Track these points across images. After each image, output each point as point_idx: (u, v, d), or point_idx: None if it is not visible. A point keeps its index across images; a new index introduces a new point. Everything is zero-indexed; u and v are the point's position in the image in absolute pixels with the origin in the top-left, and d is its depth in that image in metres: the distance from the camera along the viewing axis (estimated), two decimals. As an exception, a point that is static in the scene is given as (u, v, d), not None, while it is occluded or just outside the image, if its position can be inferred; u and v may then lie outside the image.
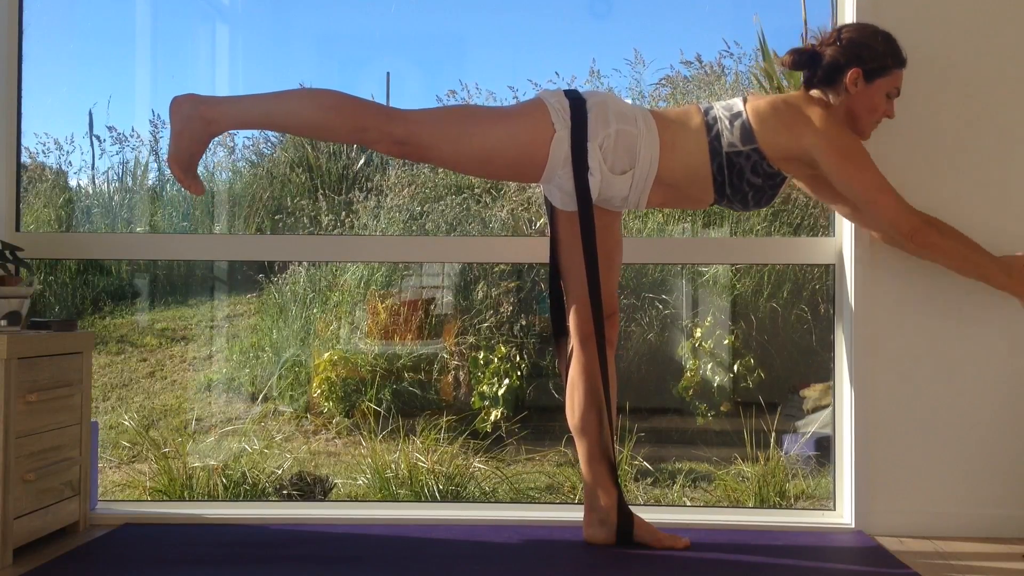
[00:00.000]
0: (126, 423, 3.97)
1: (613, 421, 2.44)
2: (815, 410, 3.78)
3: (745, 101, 2.34)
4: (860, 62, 2.36)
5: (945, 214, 2.53)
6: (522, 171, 2.37)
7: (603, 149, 2.27)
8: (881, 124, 2.50)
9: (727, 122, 2.30)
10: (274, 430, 3.99)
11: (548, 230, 2.52)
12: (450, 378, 4.07)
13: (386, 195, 4.28)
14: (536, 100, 2.33)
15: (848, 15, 2.72)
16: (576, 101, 2.30)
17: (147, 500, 3.53)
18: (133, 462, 3.87)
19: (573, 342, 2.48)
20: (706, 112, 2.33)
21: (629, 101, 2.42)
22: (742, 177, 2.31)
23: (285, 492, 3.60)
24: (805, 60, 2.42)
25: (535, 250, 3.05)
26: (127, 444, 3.92)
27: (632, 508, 2.47)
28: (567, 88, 2.36)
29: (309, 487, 3.63)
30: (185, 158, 2.26)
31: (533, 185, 4.12)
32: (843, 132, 2.34)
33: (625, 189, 2.32)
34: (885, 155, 2.57)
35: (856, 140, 2.36)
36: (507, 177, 2.49)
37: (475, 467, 3.69)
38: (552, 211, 2.48)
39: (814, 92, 2.43)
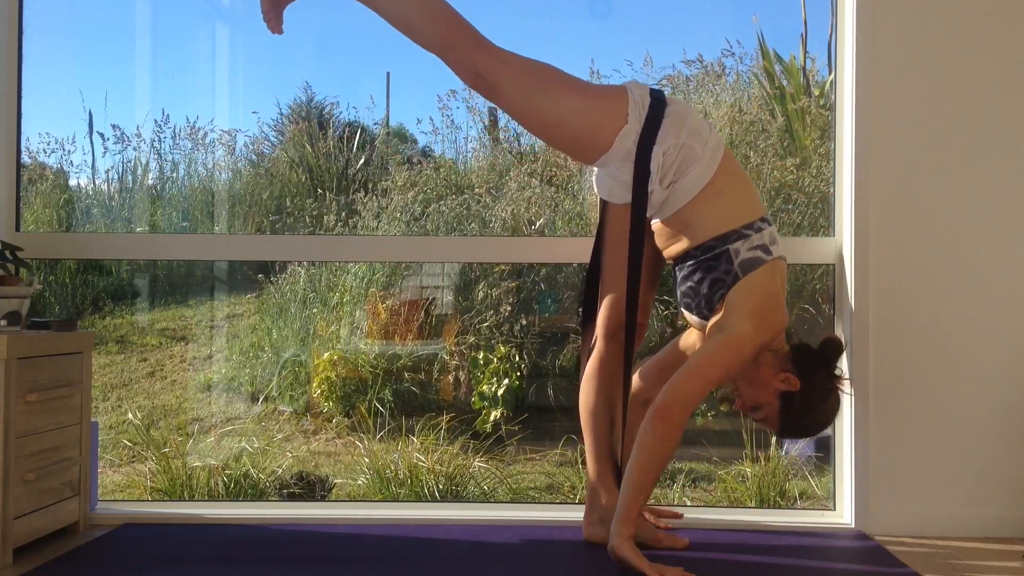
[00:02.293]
0: (130, 418, 3.97)
1: (625, 423, 2.43)
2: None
3: (778, 258, 2.28)
4: (803, 390, 2.26)
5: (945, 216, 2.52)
6: (581, 149, 2.34)
7: (665, 156, 2.24)
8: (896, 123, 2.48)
9: (754, 244, 2.24)
10: (274, 430, 3.99)
11: (598, 221, 2.50)
12: (450, 378, 4.07)
13: (388, 196, 4.28)
14: (620, 86, 2.31)
15: (848, 15, 2.72)
16: (657, 102, 2.28)
17: (147, 500, 3.54)
18: (133, 462, 3.87)
19: (598, 335, 2.47)
20: (762, 219, 2.28)
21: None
22: (707, 272, 2.27)
23: (285, 492, 3.60)
24: (818, 355, 2.31)
25: (535, 250, 3.05)
26: (128, 443, 3.92)
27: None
28: (655, 87, 2.34)
29: (309, 487, 3.63)
30: None
31: (534, 185, 4.12)
32: (746, 349, 2.22)
33: (660, 201, 2.30)
34: (885, 152, 2.57)
35: (740, 358, 2.22)
36: (564, 149, 2.47)
37: (475, 467, 3.69)
38: (605, 203, 2.47)
39: (788, 350, 2.32)
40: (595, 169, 2.44)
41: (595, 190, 2.47)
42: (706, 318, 2.30)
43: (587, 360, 2.50)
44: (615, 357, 2.41)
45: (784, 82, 4.13)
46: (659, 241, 2.38)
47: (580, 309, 2.58)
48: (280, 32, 2.38)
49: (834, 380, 2.32)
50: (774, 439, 3.59)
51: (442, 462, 3.63)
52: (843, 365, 2.42)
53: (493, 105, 4.23)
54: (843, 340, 2.36)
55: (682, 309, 2.40)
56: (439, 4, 2.25)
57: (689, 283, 2.31)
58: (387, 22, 2.30)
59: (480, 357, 4.03)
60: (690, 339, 2.48)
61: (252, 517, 2.77)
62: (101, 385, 4.13)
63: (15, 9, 2.82)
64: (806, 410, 2.29)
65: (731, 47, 4.17)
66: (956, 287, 2.68)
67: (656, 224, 2.36)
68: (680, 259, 2.33)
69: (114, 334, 4.33)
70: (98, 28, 4.10)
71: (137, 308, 4.40)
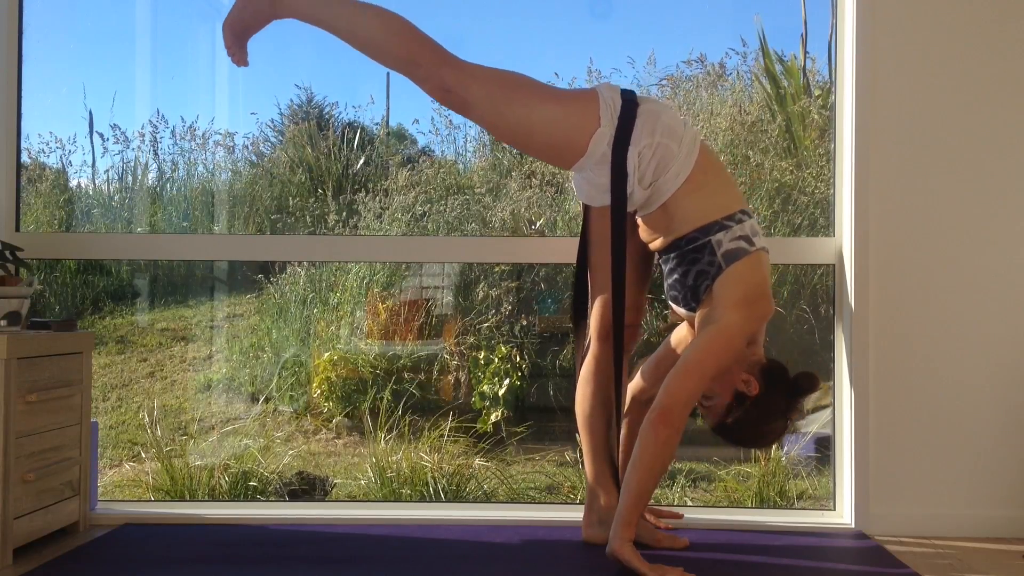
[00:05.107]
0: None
1: (621, 422, 2.43)
2: (815, 410, 3.78)
3: (761, 250, 2.27)
4: (756, 401, 2.26)
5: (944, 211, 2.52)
6: (557, 155, 2.34)
7: (640, 156, 2.24)
8: (896, 125, 2.48)
9: (736, 235, 2.24)
10: (274, 430, 3.99)
11: (580, 224, 2.51)
12: (450, 378, 4.07)
13: (390, 196, 4.27)
14: (591, 90, 2.31)
15: (848, 15, 2.72)
16: (628, 103, 2.27)
17: (147, 500, 3.54)
18: (133, 462, 3.87)
19: (591, 337, 2.48)
20: (741, 212, 2.28)
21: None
22: (691, 264, 2.27)
23: (285, 492, 3.60)
24: (788, 380, 2.30)
25: (535, 250, 3.05)
26: (132, 443, 3.92)
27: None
28: (625, 88, 2.34)
29: (309, 487, 3.63)
30: (240, 29, 2.30)
31: (534, 185, 4.12)
32: (737, 339, 2.23)
33: (642, 200, 2.31)
34: (886, 151, 2.57)
35: (732, 349, 2.23)
36: (540, 156, 2.47)
37: (476, 467, 3.69)
38: (587, 206, 2.47)
39: (762, 358, 2.33)
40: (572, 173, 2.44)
41: (575, 194, 2.46)
42: (693, 310, 2.30)
43: (581, 363, 2.51)
44: (610, 358, 2.41)
45: (784, 82, 4.13)
46: (644, 235, 2.38)
47: (571, 314, 2.58)
48: (246, 64, 2.37)
49: (789, 410, 2.30)
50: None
51: (442, 462, 3.63)
52: (806, 406, 2.39)
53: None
54: (819, 381, 2.34)
55: (669, 303, 2.40)
56: (400, 21, 2.25)
57: (675, 276, 2.31)
58: (349, 44, 2.29)
59: (480, 357, 4.03)
60: (681, 333, 2.48)
61: (252, 517, 2.77)
62: (101, 385, 4.13)
63: (15, 9, 2.82)
64: (748, 420, 2.28)
65: (733, 47, 4.17)
66: (956, 287, 2.68)
67: (640, 219, 2.37)
68: (665, 251, 2.33)
69: (114, 334, 4.33)
70: (98, 28, 4.10)
71: (137, 308, 4.40)
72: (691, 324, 2.37)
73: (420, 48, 2.24)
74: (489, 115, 2.27)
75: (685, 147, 2.26)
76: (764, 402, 2.27)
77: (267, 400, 4.10)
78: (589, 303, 2.50)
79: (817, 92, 4.05)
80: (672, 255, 2.31)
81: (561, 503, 3.51)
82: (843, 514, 2.73)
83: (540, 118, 2.24)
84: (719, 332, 2.21)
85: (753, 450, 2.41)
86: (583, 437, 2.48)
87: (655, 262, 2.46)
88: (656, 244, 2.36)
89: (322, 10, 2.28)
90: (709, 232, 2.25)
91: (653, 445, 2.17)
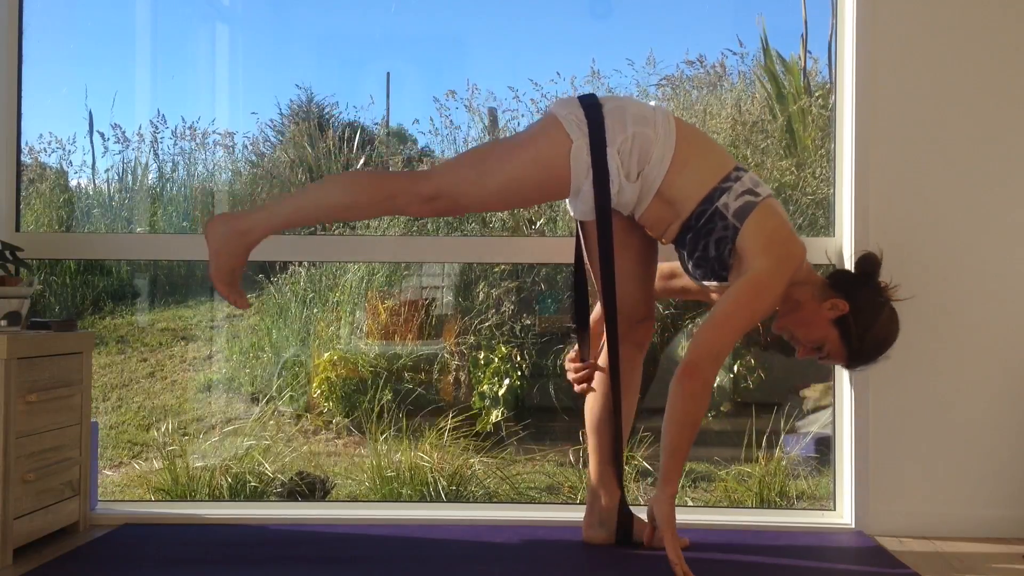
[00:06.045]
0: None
1: (622, 423, 2.43)
2: (815, 410, 3.78)
3: (768, 197, 2.26)
4: (854, 310, 2.28)
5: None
6: (550, 190, 2.34)
7: (620, 153, 2.23)
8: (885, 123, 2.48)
9: (740, 191, 2.23)
10: (274, 430, 3.99)
11: (574, 229, 2.51)
12: (450, 378, 4.07)
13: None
14: (548, 116, 2.30)
15: (848, 15, 2.72)
16: (591, 108, 2.25)
17: (147, 500, 3.54)
18: (134, 462, 3.88)
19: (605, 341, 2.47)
20: (736, 169, 2.27)
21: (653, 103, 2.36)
22: (708, 237, 2.26)
23: (285, 492, 3.60)
24: (856, 273, 2.34)
25: (535, 250, 3.05)
26: (132, 443, 3.93)
27: (633, 508, 2.47)
28: (582, 94, 2.32)
29: (309, 487, 3.63)
30: (227, 273, 2.26)
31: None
32: (768, 288, 2.22)
33: (635, 195, 2.30)
34: (882, 152, 2.57)
35: (764, 298, 2.23)
36: (539, 200, 2.46)
37: (475, 467, 3.69)
38: (580, 221, 2.46)
39: (823, 280, 2.34)
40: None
41: (572, 214, 2.46)
42: (725, 278, 2.29)
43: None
44: (617, 360, 2.40)
45: (785, 82, 4.13)
46: (654, 232, 2.37)
47: (574, 322, 2.58)
48: (248, 307, 2.38)
49: (882, 293, 2.32)
50: (780, 440, 3.60)
51: (442, 462, 3.63)
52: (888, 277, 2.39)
53: (494, 106, 4.24)
54: (875, 254, 2.35)
55: (702, 282, 2.38)
56: (356, 175, 2.33)
57: (697, 253, 2.30)
58: (333, 221, 2.30)
59: (481, 357, 4.03)
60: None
61: (252, 517, 2.77)
62: (101, 385, 4.13)
63: (15, 9, 2.82)
64: (865, 329, 2.29)
65: (732, 47, 4.18)
66: (956, 287, 2.68)
67: (644, 218, 2.35)
68: (680, 237, 2.32)
69: (114, 334, 4.33)
70: (98, 28, 4.10)
71: (137, 308, 4.40)
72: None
73: (387, 183, 2.29)
74: (478, 195, 2.28)
75: (661, 129, 2.25)
76: (860, 306, 2.28)
77: (267, 400, 4.10)
78: (590, 310, 2.50)
79: (817, 92, 4.05)
80: (687, 237, 2.30)
81: (561, 503, 3.51)
82: (843, 514, 2.73)
83: (518, 170, 2.24)
84: (747, 281, 2.20)
85: (891, 348, 2.38)
86: (590, 438, 2.49)
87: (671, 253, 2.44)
88: (670, 234, 2.34)
89: (289, 213, 2.30)
90: (713, 200, 2.24)
91: (681, 400, 2.17)
